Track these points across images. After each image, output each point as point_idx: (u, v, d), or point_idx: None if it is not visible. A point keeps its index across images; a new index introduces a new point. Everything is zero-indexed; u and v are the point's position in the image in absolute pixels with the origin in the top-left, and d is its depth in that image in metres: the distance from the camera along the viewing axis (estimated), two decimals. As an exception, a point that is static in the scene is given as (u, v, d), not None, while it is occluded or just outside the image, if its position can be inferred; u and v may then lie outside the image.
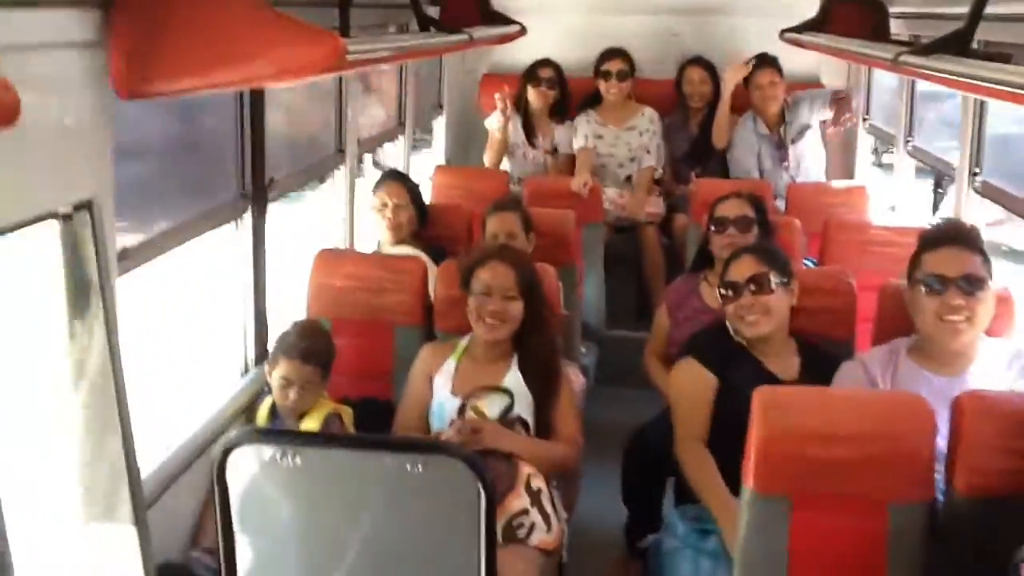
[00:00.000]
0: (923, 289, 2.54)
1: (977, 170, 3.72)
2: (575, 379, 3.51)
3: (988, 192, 3.64)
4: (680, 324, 3.60)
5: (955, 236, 2.61)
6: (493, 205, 3.92)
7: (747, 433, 2.32)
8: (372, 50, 2.42)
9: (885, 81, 5.34)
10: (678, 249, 4.97)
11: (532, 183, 4.79)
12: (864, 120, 5.53)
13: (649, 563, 2.86)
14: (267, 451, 2.12)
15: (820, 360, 2.87)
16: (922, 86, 4.64)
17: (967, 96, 3.76)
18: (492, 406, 2.82)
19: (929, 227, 2.75)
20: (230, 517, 2.09)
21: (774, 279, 2.85)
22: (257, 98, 3.06)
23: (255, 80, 2.24)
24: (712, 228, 3.62)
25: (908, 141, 4.78)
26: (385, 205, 3.92)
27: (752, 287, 2.84)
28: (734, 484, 2.46)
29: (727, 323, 2.94)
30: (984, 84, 2.19)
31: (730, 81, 5.20)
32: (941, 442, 2.27)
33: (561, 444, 2.85)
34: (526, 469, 2.67)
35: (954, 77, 2.35)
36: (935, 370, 2.58)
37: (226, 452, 2.09)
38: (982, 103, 3.69)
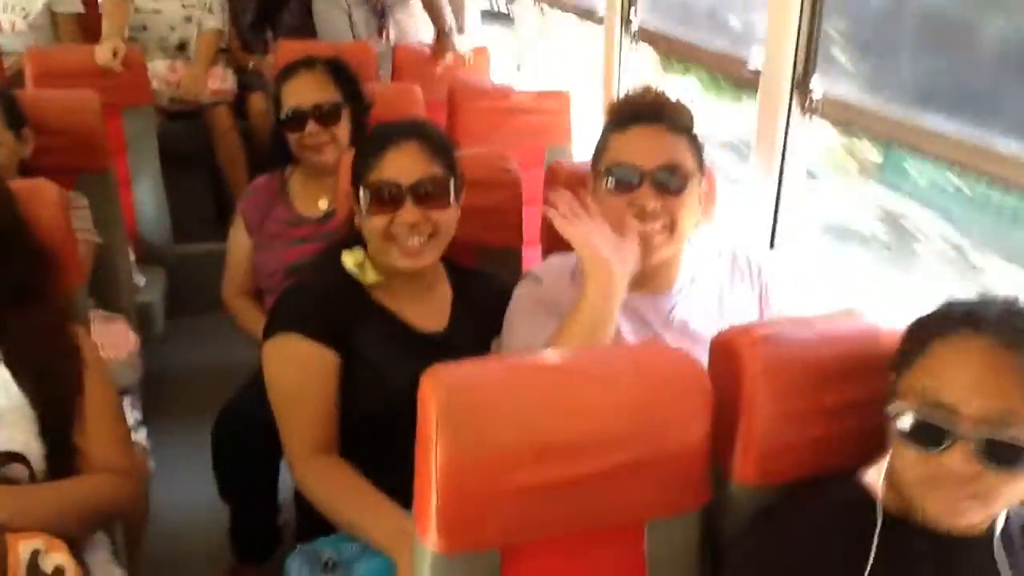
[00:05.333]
0: (608, 183, 1.72)
1: (633, 16, 3.00)
2: (122, 342, 2.35)
3: (648, 38, 2.93)
4: (268, 245, 2.55)
5: (652, 110, 1.74)
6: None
7: (402, 437, 1.38)
8: None
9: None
10: (258, 133, 3.90)
11: (37, 56, 3.28)
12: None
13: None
14: None
15: (476, 286, 1.96)
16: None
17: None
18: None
19: (621, 96, 1.86)
20: None
21: (452, 185, 1.83)
22: None
23: None
24: (282, 120, 2.54)
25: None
26: None
27: (423, 194, 1.78)
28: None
29: (345, 259, 1.87)
30: None
31: None
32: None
33: (95, 476, 1.69)
34: (27, 543, 1.50)
35: None
36: (632, 288, 1.72)
37: None
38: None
